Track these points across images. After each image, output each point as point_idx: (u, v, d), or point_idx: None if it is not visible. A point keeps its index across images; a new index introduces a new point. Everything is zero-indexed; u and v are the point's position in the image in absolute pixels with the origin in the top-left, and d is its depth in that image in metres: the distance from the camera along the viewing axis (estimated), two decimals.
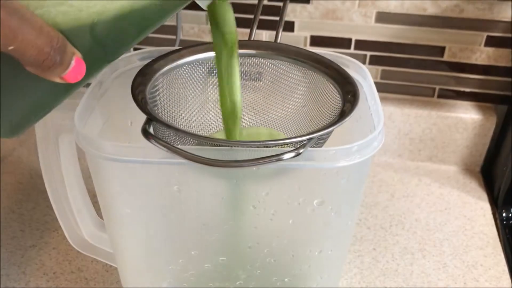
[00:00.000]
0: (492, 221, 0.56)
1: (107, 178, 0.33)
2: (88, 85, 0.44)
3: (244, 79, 0.41)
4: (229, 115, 0.35)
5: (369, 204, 0.58)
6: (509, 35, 0.56)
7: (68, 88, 0.28)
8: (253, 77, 0.41)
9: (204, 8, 0.28)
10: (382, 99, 0.61)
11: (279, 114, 0.41)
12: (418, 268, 0.51)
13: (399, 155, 0.65)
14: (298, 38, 0.60)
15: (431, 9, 0.56)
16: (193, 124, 0.39)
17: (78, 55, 0.25)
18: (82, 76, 0.26)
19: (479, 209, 0.58)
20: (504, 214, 0.57)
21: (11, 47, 0.22)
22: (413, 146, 0.64)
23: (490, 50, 0.58)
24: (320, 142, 0.34)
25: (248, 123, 0.43)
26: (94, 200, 0.42)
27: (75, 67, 0.25)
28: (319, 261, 0.37)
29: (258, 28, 0.43)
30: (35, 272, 0.49)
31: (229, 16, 0.32)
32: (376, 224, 0.56)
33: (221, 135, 0.39)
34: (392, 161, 0.65)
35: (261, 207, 0.33)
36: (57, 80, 0.25)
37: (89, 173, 0.37)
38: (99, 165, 0.33)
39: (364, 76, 0.39)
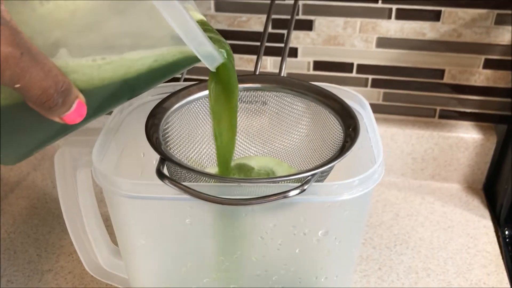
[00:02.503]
0: (495, 239, 0.58)
1: (123, 212, 0.35)
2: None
3: (250, 110, 0.43)
4: (223, 157, 0.37)
5: (374, 224, 0.60)
6: (506, 57, 0.58)
7: (73, 125, 0.30)
8: (258, 108, 0.43)
9: (212, 70, 0.30)
10: (384, 120, 0.64)
11: (284, 144, 0.43)
12: (423, 287, 0.52)
13: (402, 174, 0.66)
14: (302, 63, 0.62)
15: (430, 34, 0.58)
16: (203, 157, 0.41)
17: (81, 99, 0.26)
18: (81, 118, 0.27)
19: (481, 227, 0.59)
20: (506, 232, 0.58)
21: (17, 85, 0.23)
22: (415, 166, 0.65)
23: (488, 72, 0.59)
24: (323, 175, 0.36)
25: (255, 152, 0.45)
26: (107, 223, 0.44)
27: (76, 110, 0.26)
28: (325, 286, 0.39)
29: (263, 55, 0.45)
30: None
31: (234, 77, 0.34)
32: (381, 243, 0.57)
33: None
34: (395, 180, 0.67)
35: (269, 238, 0.35)
36: (56, 119, 0.26)
37: (102, 196, 0.38)
38: (116, 200, 0.35)
39: (364, 107, 0.40)
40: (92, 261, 0.44)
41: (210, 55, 0.29)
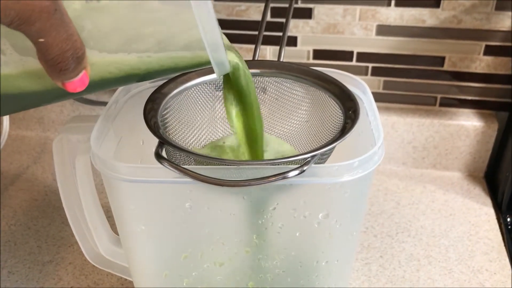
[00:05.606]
0: (497, 226, 0.57)
1: (122, 197, 0.35)
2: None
3: None
4: (252, 144, 0.37)
5: (375, 212, 0.60)
6: (507, 43, 0.58)
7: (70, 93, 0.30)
8: (258, 94, 0.43)
9: (218, 77, 0.31)
10: (385, 109, 0.64)
11: (284, 129, 0.43)
12: (424, 274, 0.52)
13: (403, 163, 0.66)
14: (301, 52, 0.62)
15: (430, 21, 0.58)
16: (202, 142, 0.41)
17: (87, 70, 0.27)
18: (81, 89, 0.27)
19: (483, 215, 0.59)
20: (508, 219, 0.58)
21: (41, 39, 0.24)
22: (416, 154, 0.65)
23: (489, 58, 0.59)
24: (323, 157, 0.35)
25: None
26: (107, 214, 0.43)
27: (80, 79, 0.27)
28: (326, 270, 0.38)
29: (262, 44, 0.45)
30: (53, 287, 0.51)
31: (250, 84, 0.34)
32: (383, 232, 0.57)
33: (225, 148, 0.41)
34: (396, 169, 0.66)
35: (269, 221, 0.35)
36: (58, 83, 0.27)
37: (102, 188, 0.38)
38: (114, 185, 0.35)
39: (365, 92, 0.40)
40: (92, 249, 0.44)
41: (221, 63, 0.29)
